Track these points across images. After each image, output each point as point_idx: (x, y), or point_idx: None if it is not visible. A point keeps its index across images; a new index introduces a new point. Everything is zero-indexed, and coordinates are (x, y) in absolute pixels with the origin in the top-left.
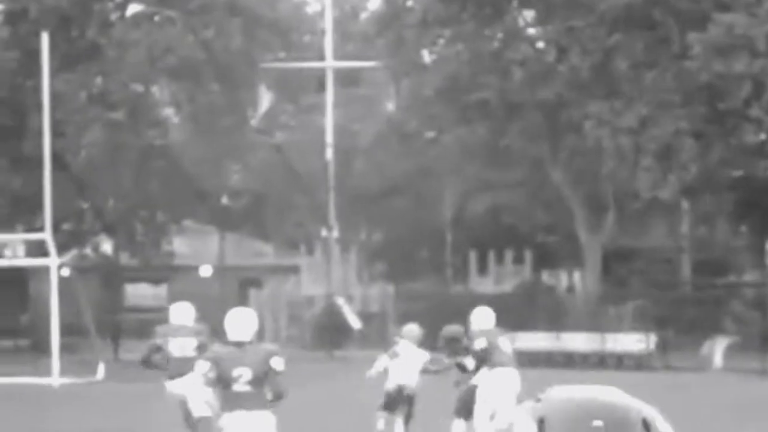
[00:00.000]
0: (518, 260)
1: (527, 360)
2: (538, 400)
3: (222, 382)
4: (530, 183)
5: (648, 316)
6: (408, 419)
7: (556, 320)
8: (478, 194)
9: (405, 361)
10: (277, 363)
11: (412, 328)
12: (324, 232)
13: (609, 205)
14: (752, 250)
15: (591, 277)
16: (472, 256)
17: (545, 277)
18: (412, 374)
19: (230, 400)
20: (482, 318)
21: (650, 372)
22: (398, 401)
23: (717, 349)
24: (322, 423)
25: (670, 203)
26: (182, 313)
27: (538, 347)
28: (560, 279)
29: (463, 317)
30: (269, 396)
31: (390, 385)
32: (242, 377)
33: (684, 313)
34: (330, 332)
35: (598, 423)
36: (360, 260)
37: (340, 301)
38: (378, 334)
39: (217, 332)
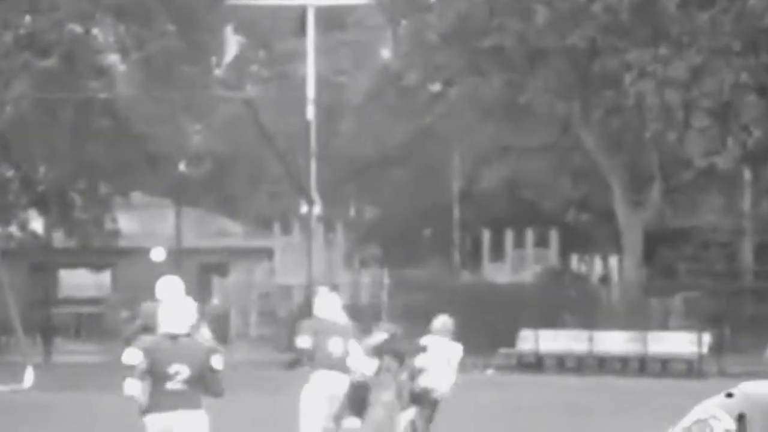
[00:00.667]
0: (541, 243)
1: (554, 364)
2: (730, 396)
3: (154, 377)
4: (557, 148)
5: (700, 311)
6: (429, 421)
7: (589, 316)
8: (493, 162)
9: (436, 359)
10: (217, 362)
11: (446, 321)
12: (304, 208)
13: (654, 175)
14: None
15: (631, 264)
16: (486, 237)
17: (574, 263)
18: (445, 375)
19: (163, 399)
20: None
21: (702, 379)
22: (422, 401)
23: None
24: None
25: (728, 173)
26: (170, 288)
27: (565, 349)
28: (593, 266)
29: (474, 310)
30: (205, 395)
31: (417, 385)
32: (179, 375)
33: (744, 308)
34: None
35: None
36: (348, 242)
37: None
38: (370, 332)
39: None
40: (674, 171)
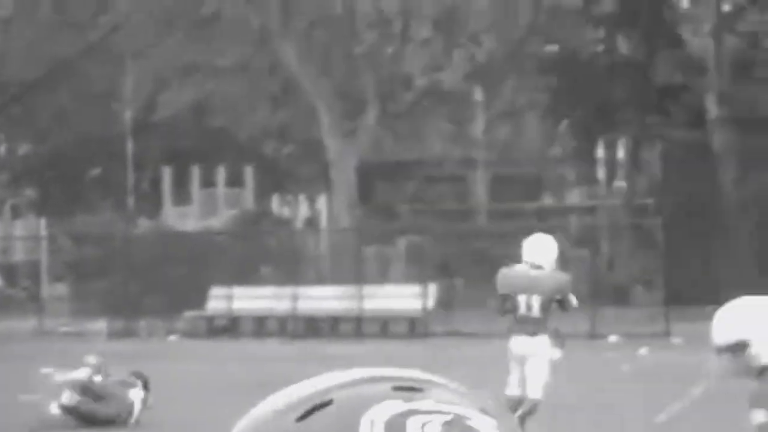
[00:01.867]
0: (235, 181)
1: (252, 327)
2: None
3: None
4: (252, 68)
5: (426, 259)
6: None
7: (293, 269)
8: (174, 84)
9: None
10: None
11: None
12: None
13: (368, 98)
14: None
15: (342, 205)
16: (167, 176)
17: (275, 205)
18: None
19: None
20: None
21: (428, 339)
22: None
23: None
24: None
25: (455, 93)
26: None
27: (265, 308)
28: (298, 208)
29: (154, 265)
30: None
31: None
32: None
33: (478, 253)
34: None
35: None
36: None
37: None
38: (27, 298)
39: None
40: (392, 92)
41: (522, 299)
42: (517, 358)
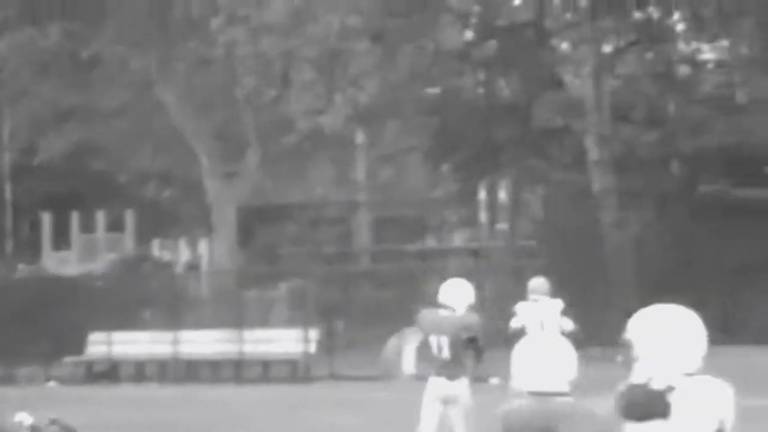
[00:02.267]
0: (115, 226)
1: (132, 372)
2: None
3: None
4: (132, 111)
5: (308, 302)
6: None
7: (174, 313)
8: (52, 129)
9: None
10: None
11: (540, 280)
12: None
13: (249, 141)
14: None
15: (223, 249)
16: (46, 221)
17: (156, 249)
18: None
19: None
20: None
21: (309, 383)
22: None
23: (407, 349)
24: None
25: (337, 136)
26: None
27: (145, 353)
28: (179, 252)
29: (33, 310)
30: None
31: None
32: None
33: (360, 297)
34: None
35: None
36: None
37: None
38: None
39: None
40: (274, 135)
41: (433, 340)
42: (435, 398)
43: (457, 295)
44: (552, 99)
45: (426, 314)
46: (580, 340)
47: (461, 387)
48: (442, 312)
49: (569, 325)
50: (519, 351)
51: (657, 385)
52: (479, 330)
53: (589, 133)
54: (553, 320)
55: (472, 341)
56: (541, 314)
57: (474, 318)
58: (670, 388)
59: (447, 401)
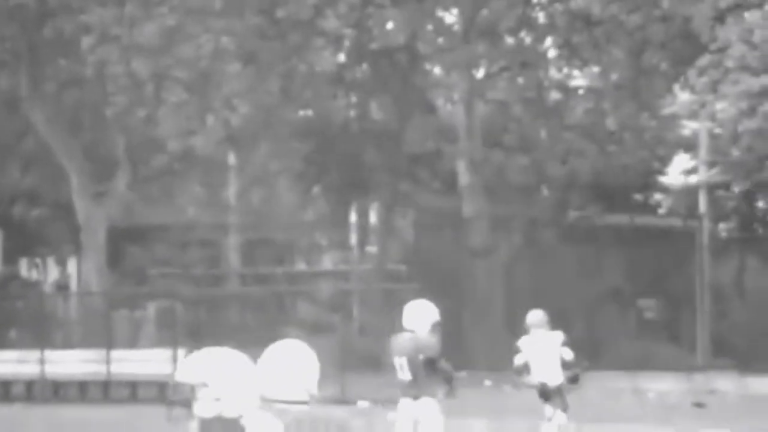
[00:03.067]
0: None
1: None
2: None
3: None
4: (2, 126)
5: (177, 323)
6: (564, 409)
7: (41, 333)
8: None
9: (541, 352)
10: None
11: (538, 313)
12: None
13: (119, 161)
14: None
15: (92, 268)
16: None
17: (24, 268)
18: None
19: None
20: None
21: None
22: (548, 395)
23: (404, 364)
24: None
25: (209, 158)
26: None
27: (12, 373)
28: (48, 271)
29: None
30: None
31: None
32: None
33: (228, 318)
34: None
35: None
36: None
37: None
38: None
39: None
40: (144, 156)
41: (396, 362)
42: (404, 419)
43: (416, 317)
44: (424, 123)
45: (394, 338)
46: (584, 366)
47: (427, 407)
48: (405, 335)
49: (569, 355)
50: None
51: (228, 414)
52: (436, 351)
53: (461, 158)
54: (554, 352)
55: (431, 362)
56: (542, 347)
57: (430, 339)
58: (241, 416)
59: (416, 421)
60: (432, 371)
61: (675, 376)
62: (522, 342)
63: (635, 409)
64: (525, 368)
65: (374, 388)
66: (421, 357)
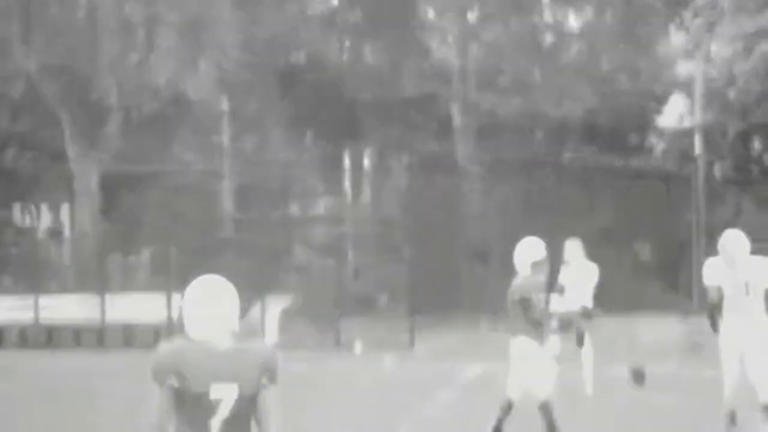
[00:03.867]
0: None
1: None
2: None
3: None
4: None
5: (171, 268)
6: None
7: (35, 279)
8: None
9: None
10: None
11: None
12: None
13: (111, 107)
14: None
15: (86, 214)
16: None
17: (17, 214)
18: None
19: None
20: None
21: None
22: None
23: (268, 314)
24: None
25: (202, 103)
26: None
27: (7, 319)
28: (41, 217)
29: None
30: None
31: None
32: None
33: (224, 262)
34: None
35: None
36: None
37: None
38: None
39: None
40: (144, 101)
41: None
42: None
43: (517, 257)
44: (417, 66)
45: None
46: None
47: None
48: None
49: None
50: None
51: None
52: (525, 292)
53: (454, 100)
54: (590, 283)
55: (523, 302)
56: (579, 276)
57: (527, 280)
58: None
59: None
60: (523, 311)
61: (670, 319)
62: (564, 268)
63: (631, 351)
64: (562, 289)
65: (369, 332)
66: (516, 297)
